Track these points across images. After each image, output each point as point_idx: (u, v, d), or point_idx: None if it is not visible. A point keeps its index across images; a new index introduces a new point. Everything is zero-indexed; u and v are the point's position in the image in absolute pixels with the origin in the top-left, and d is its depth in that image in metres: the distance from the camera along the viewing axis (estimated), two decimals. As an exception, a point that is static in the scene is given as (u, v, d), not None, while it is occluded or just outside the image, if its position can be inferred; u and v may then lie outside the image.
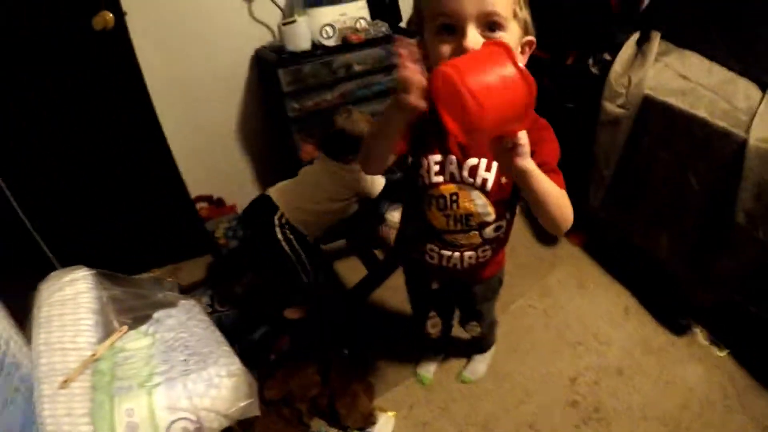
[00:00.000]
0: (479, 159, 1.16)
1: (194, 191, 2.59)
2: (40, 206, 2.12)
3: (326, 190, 2.08)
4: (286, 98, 2.32)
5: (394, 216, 2.54)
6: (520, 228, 2.66)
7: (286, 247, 2.05)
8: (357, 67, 2.39)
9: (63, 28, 1.91)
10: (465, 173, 1.18)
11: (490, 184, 1.18)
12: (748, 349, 2.09)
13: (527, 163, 0.88)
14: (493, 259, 1.43)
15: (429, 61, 0.96)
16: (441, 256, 1.35)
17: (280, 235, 2.03)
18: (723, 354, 2.11)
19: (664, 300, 2.26)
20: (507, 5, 0.93)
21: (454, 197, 1.21)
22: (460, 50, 0.90)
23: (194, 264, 2.60)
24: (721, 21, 2.08)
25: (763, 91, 1.91)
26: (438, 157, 1.18)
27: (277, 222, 2.03)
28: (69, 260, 1.58)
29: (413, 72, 0.84)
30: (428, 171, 1.20)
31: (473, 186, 1.19)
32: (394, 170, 1.37)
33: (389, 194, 2.31)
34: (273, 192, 2.10)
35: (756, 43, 2.00)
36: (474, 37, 0.90)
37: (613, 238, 2.46)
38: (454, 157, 1.17)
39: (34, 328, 1.32)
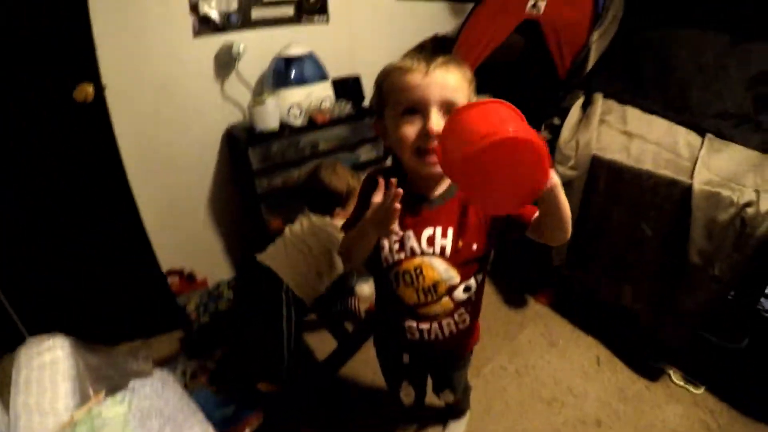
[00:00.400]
0: (434, 228, 1.21)
1: (166, 265, 2.59)
2: (11, 275, 2.10)
3: (313, 247, 2.08)
4: (256, 176, 2.41)
5: (364, 289, 2.59)
6: (487, 292, 2.68)
7: (285, 326, 2.02)
8: (323, 145, 2.51)
9: (44, 99, 1.95)
10: (424, 245, 1.21)
11: (448, 251, 1.21)
12: (725, 382, 2.13)
13: (554, 176, 0.93)
14: (473, 326, 1.45)
15: (387, 141, 1.14)
16: (420, 330, 1.34)
17: (285, 312, 2.01)
18: (700, 391, 2.15)
19: (635, 346, 2.31)
20: (464, 92, 1.09)
21: (419, 270, 1.24)
22: (423, 131, 1.04)
23: (166, 338, 2.57)
24: (655, 77, 2.27)
25: (702, 136, 2.06)
26: (396, 236, 1.22)
27: (284, 297, 2.00)
28: (40, 331, 1.58)
29: (395, 207, 1.01)
30: (390, 251, 1.24)
31: (433, 254, 1.22)
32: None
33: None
34: (269, 261, 2.07)
35: (688, 94, 2.17)
36: (437, 120, 1.04)
37: (579, 294, 2.53)
38: (410, 232, 1.21)
39: (13, 390, 1.33)
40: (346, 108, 2.59)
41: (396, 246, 1.23)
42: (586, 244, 2.28)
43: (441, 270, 1.24)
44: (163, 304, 2.55)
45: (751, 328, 2.11)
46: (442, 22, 3.10)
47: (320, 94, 2.56)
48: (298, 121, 2.46)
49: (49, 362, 1.43)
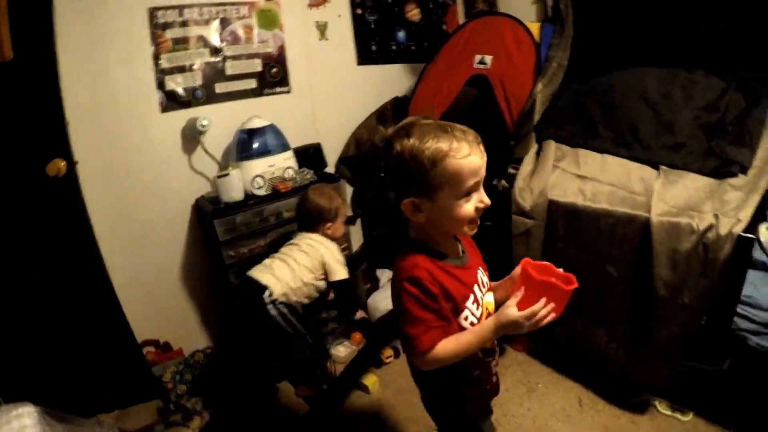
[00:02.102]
0: (477, 270, 1.29)
1: (141, 335, 2.56)
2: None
3: (304, 263, 2.17)
4: (222, 246, 2.41)
5: (339, 351, 2.60)
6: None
7: (282, 322, 2.09)
8: (286, 214, 2.51)
9: (17, 173, 1.99)
10: (484, 289, 1.29)
11: (487, 281, 1.32)
12: (712, 405, 2.09)
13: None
14: None
15: (419, 217, 1.16)
16: (495, 375, 1.40)
17: (273, 311, 2.07)
18: (688, 418, 2.09)
19: (616, 383, 2.24)
20: None
21: (487, 313, 1.28)
22: (482, 206, 1.16)
23: (142, 409, 2.51)
24: (604, 118, 2.29)
25: (657, 169, 2.07)
26: (470, 299, 1.24)
27: (267, 299, 2.07)
28: (16, 400, 1.60)
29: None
30: (471, 312, 1.24)
31: (485, 292, 1.30)
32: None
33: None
34: (256, 273, 2.16)
35: (638, 130, 2.19)
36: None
37: (555, 338, 2.48)
38: (475, 285, 1.25)
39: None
40: (308, 176, 2.64)
41: (474, 306, 1.25)
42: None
43: (492, 302, 1.31)
44: (139, 374, 2.51)
45: (729, 349, 2.08)
46: (400, 83, 3.17)
47: (283, 164, 2.58)
48: (261, 192, 2.49)
49: (17, 430, 1.46)
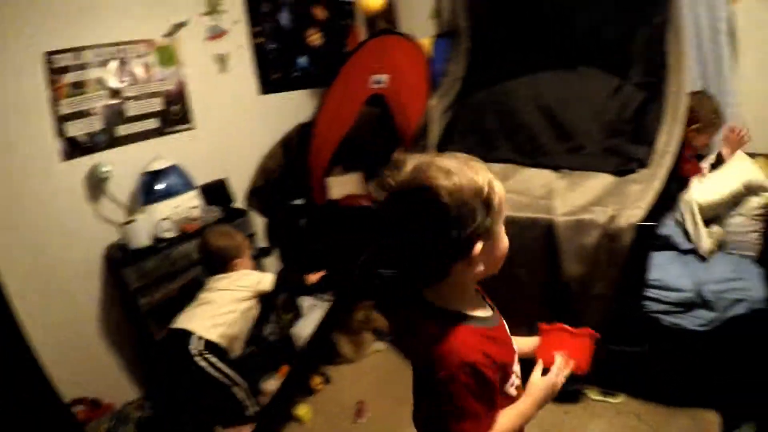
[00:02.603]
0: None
1: (69, 395, 2.48)
2: None
3: (227, 295, 2.14)
4: (135, 294, 2.34)
5: (270, 385, 2.57)
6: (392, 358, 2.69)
7: (214, 372, 2.02)
8: (196, 255, 2.46)
9: None
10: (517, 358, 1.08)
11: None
12: (642, 384, 2.17)
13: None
14: None
15: (479, 264, 0.92)
16: None
17: (203, 363, 2.00)
18: (619, 399, 2.17)
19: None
20: None
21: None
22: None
23: None
24: (502, 128, 2.34)
25: (557, 171, 2.14)
26: (514, 360, 1.06)
27: (196, 351, 1.99)
28: None
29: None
30: (516, 375, 1.06)
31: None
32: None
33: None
34: (181, 323, 2.08)
35: (536, 136, 2.25)
36: None
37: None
38: (515, 356, 1.07)
39: None
40: (215, 214, 2.60)
41: (517, 367, 1.08)
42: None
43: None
44: (71, 435, 2.39)
45: (647, 330, 2.14)
46: (304, 109, 3.14)
47: (188, 204, 2.52)
48: (169, 234, 2.44)
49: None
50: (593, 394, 2.23)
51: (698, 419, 2.11)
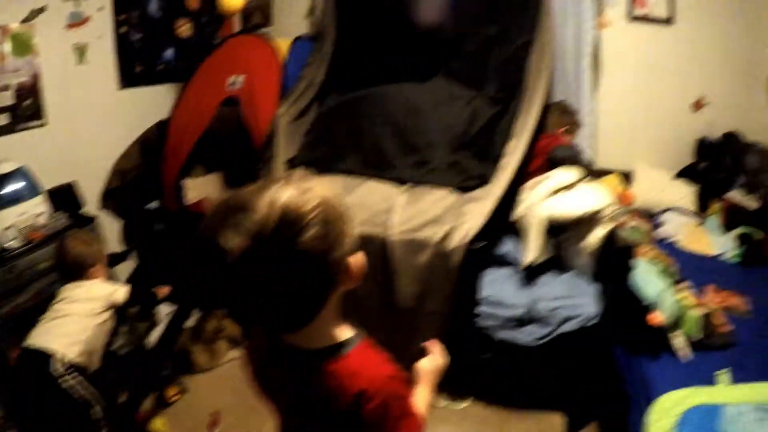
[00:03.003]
0: None
1: None
2: None
3: (81, 308, 2.05)
4: (-20, 310, 2.24)
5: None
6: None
7: (81, 391, 1.93)
8: (43, 264, 2.31)
9: None
10: None
11: None
12: (489, 388, 2.27)
13: None
14: None
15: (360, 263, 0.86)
16: None
17: (69, 383, 1.90)
18: (465, 405, 2.25)
19: None
20: None
21: None
22: None
23: None
24: (349, 139, 2.32)
25: (402, 184, 2.15)
26: None
27: (59, 372, 1.89)
28: None
29: None
30: None
31: None
32: None
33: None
34: (37, 340, 1.96)
35: (383, 149, 2.25)
36: None
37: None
38: None
39: None
40: (62, 220, 2.47)
41: None
42: None
43: None
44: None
45: (482, 342, 2.21)
46: (166, 106, 2.95)
47: (34, 210, 2.36)
48: (14, 243, 2.32)
49: None
50: (440, 401, 2.30)
51: (543, 422, 2.22)
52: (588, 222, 2.10)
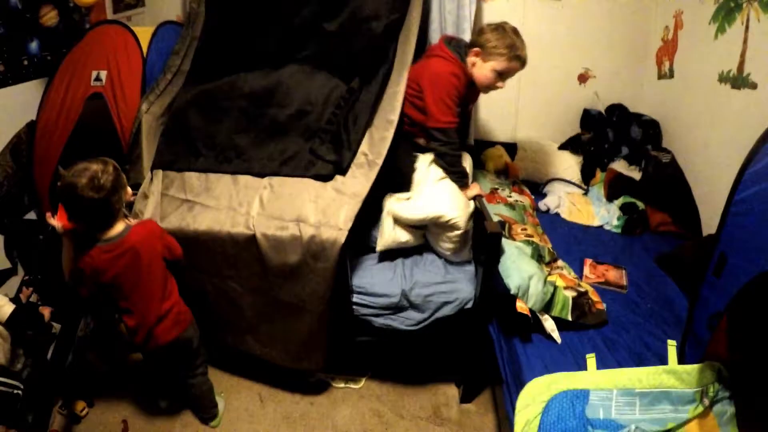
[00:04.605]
0: None
1: None
2: None
3: None
4: None
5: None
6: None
7: None
8: None
9: None
10: None
11: None
12: (384, 364, 2.33)
13: None
14: None
15: None
16: None
17: None
18: (360, 384, 2.29)
19: (292, 373, 2.29)
20: None
21: None
22: None
23: None
24: (204, 134, 2.19)
25: (261, 178, 2.06)
26: None
27: None
28: None
29: None
30: None
31: None
32: None
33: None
34: None
35: (238, 143, 2.14)
36: None
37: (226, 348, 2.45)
38: None
39: None
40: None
41: None
42: (204, 314, 2.14)
43: None
44: None
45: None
46: (34, 105, 2.60)
47: None
48: None
49: None
50: (337, 383, 2.32)
51: (439, 393, 2.28)
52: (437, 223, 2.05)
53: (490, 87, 2.19)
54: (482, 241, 1.90)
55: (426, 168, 2.18)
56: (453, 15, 2.56)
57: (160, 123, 2.22)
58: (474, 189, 2.19)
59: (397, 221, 2.10)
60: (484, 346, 2.04)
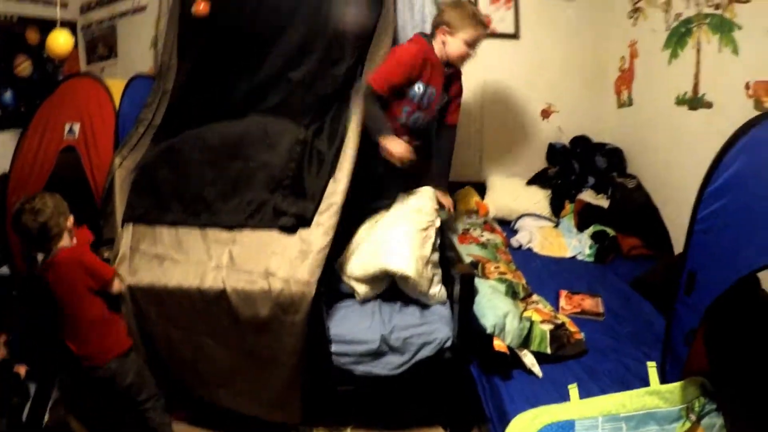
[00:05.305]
0: None
1: None
2: None
3: None
4: None
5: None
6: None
7: None
8: None
9: None
10: None
11: None
12: (367, 413, 2.24)
13: None
14: None
15: None
16: None
17: None
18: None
19: (273, 428, 2.20)
20: None
21: None
22: None
23: None
24: (173, 188, 2.16)
25: (230, 230, 2.04)
26: None
27: None
28: None
29: None
30: None
31: None
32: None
33: None
34: None
35: (204, 196, 2.12)
36: None
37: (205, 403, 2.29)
38: None
39: None
40: None
41: None
42: (179, 371, 2.10)
43: None
44: None
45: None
46: (8, 157, 2.54)
47: None
48: None
49: None
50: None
51: None
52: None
53: (464, 57, 2.29)
54: (456, 283, 1.91)
55: (368, 226, 2.21)
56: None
57: (133, 177, 2.19)
58: (393, 144, 2.11)
59: (353, 279, 2.11)
60: (467, 385, 2.03)
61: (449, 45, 2.24)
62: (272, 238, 2.01)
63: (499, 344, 1.81)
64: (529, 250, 2.77)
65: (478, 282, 2.05)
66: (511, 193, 3.05)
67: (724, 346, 1.38)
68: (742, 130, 1.28)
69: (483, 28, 2.25)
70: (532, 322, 1.93)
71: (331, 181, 2.06)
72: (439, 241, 2.19)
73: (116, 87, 2.41)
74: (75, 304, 1.86)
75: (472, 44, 2.25)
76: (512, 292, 2.13)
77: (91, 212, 2.21)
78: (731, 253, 1.22)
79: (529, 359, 1.85)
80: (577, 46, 3.09)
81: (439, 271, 2.13)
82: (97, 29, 3.05)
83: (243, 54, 2.28)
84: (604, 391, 1.64)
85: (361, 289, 2.12)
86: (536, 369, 1.83)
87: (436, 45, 2.27)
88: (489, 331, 1.82)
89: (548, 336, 1.90)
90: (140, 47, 2.82)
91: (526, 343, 1.87)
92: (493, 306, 1.92)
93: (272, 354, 1.92)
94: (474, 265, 2.29)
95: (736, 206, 1.24)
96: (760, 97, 2.00)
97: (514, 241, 2.79)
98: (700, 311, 1.30)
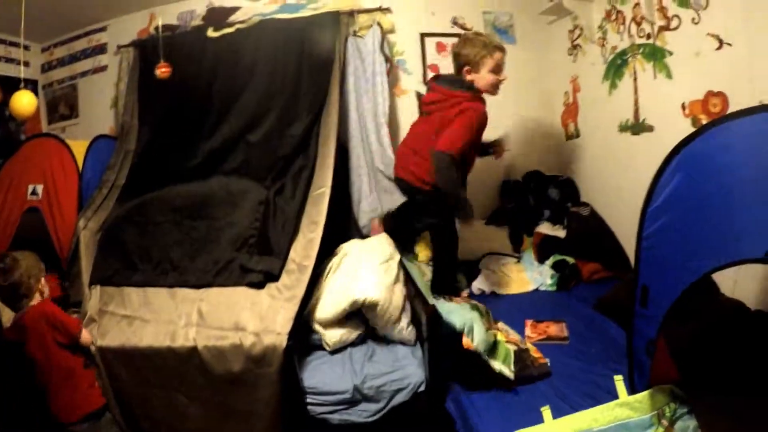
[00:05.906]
0: None
1: None
2: None
3: None
4: None
5: None
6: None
7: None
8: None
9: None
10: None
11: None
12: None
13: None
14: None
15: None
16: None
17: None
18: None
19: None
20: None
21: None
22: None
23: None
24: (139, 248, 2.17)
25: (197, 289, 2.05)
26: None
27: None
28: None
29: None
30: None
31: None
32: None
33: None
34: None
35: (171, 256, 2.14)
36: None
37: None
38: None
39: None
40: None
41: None
42: (152, 423, 2.05)
43: None
44: None
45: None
46: None
47: None
48: None
49: None
50: None
51: None
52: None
53: (496, 85, 2.24)
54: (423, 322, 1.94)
55: (333, 271, 2.25)
56: (370, 112, 2.64)
57: (98, 239, 2.18)
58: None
59: (325, 325, 2.13)
60: (445, 424, 2.03)
61: (479, 81, 2.20)
62: (240, 293, 2.03)
63: (467, 342, 1.81)
64: (493, 293, 2.76)
65: (443, 303, 2.07)
66: (471, 234, 3.04)
67: (692, 352, 1.43)
68: (676, 149, 1.37)
69: (500, 51, 2.20)
70: (496, 338, 1.95)
71: (297, 239, 2.09)
72: (403, 277, 2.24)
73: (79, 148, 2.42)
74: (44, 358, 1.83)
75: (498, 70, 2.20)
76: (478, 311, 2.14)
77: (57, 273, 2.18)
78: (677, 265, 1.31)
79: (497, 365, 1.84)
80: (523, 83, 3.11)
81: (408, 307, 2.16)
82: (58, 88, 3.05)
83: (203, 116, 2.35)
84: (575, 410, 1.65)
85: (333, 335, 2.13)
86: (506, 371, 1.83)
87: (467, 82, 2.22)
88: (458, 328, 1.83)
89: (512, 355, 1.91)
90: (101, 107, 2.83)
91: (492, 352, 1.87)
92: (460, 313, 1.93)
93: (248, 407, 1.91)
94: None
95: (677, 220, 1.33)
96: (696, 116, 2.11)
97: (475, 289, 2.73)
98: (658, 321, 1.37)
